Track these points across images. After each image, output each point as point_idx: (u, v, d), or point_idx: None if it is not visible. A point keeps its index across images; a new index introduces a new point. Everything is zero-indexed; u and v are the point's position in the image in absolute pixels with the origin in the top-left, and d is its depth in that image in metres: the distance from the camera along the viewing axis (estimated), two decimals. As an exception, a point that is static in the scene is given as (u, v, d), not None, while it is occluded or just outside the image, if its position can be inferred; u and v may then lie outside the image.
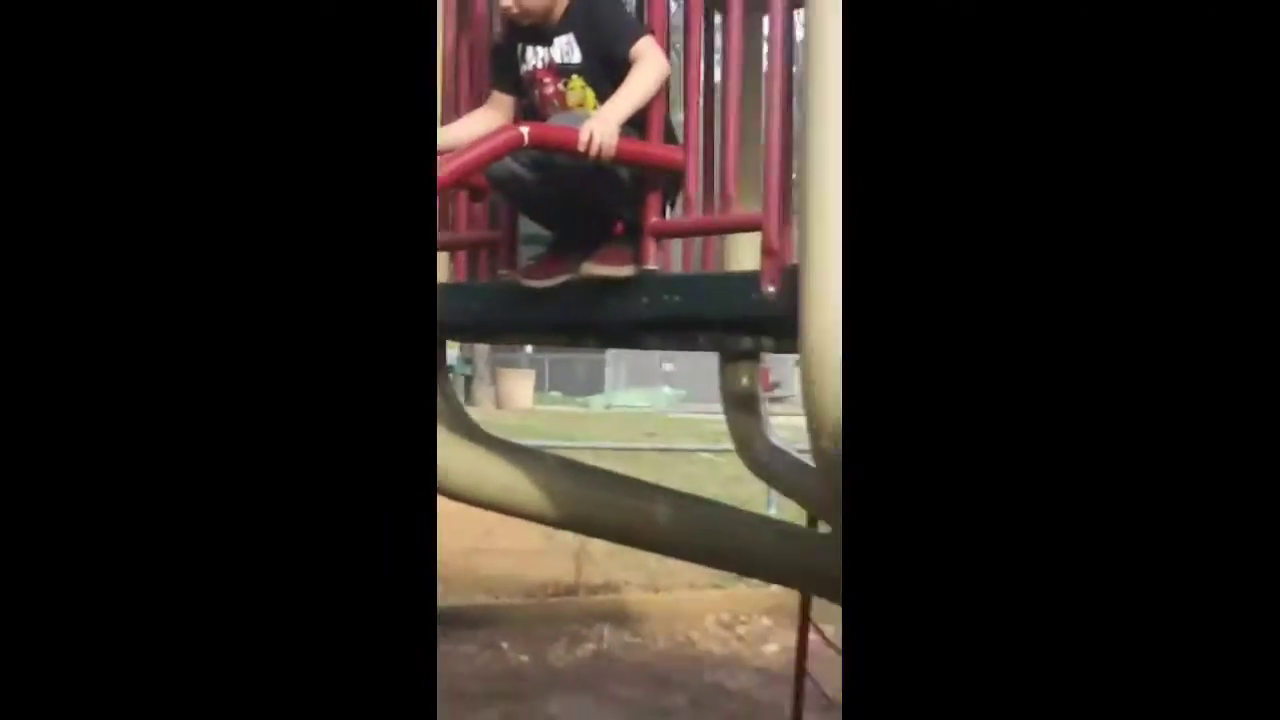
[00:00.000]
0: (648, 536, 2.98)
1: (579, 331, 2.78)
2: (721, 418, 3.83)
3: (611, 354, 24.25)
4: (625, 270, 2.45)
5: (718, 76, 2.70)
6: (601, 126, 2.28)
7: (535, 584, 6.90)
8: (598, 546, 7.40)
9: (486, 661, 5.47)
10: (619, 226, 2.50)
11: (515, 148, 2.29)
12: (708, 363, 3.97)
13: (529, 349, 23.50)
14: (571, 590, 6.85)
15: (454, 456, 2.80)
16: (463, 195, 2.77)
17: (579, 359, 25.86)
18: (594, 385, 25.59)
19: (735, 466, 10.65)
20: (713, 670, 5.41)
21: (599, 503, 2.89)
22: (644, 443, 11.51)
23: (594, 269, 2.46)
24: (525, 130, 2.27)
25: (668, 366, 25.54)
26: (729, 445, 3.94)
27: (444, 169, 2.23)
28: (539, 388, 23.12)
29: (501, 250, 2.69)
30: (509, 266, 2.65)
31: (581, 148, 2.27)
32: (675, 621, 6.36)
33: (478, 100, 2.74)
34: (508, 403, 20.63)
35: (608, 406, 22.29)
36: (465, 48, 2.84)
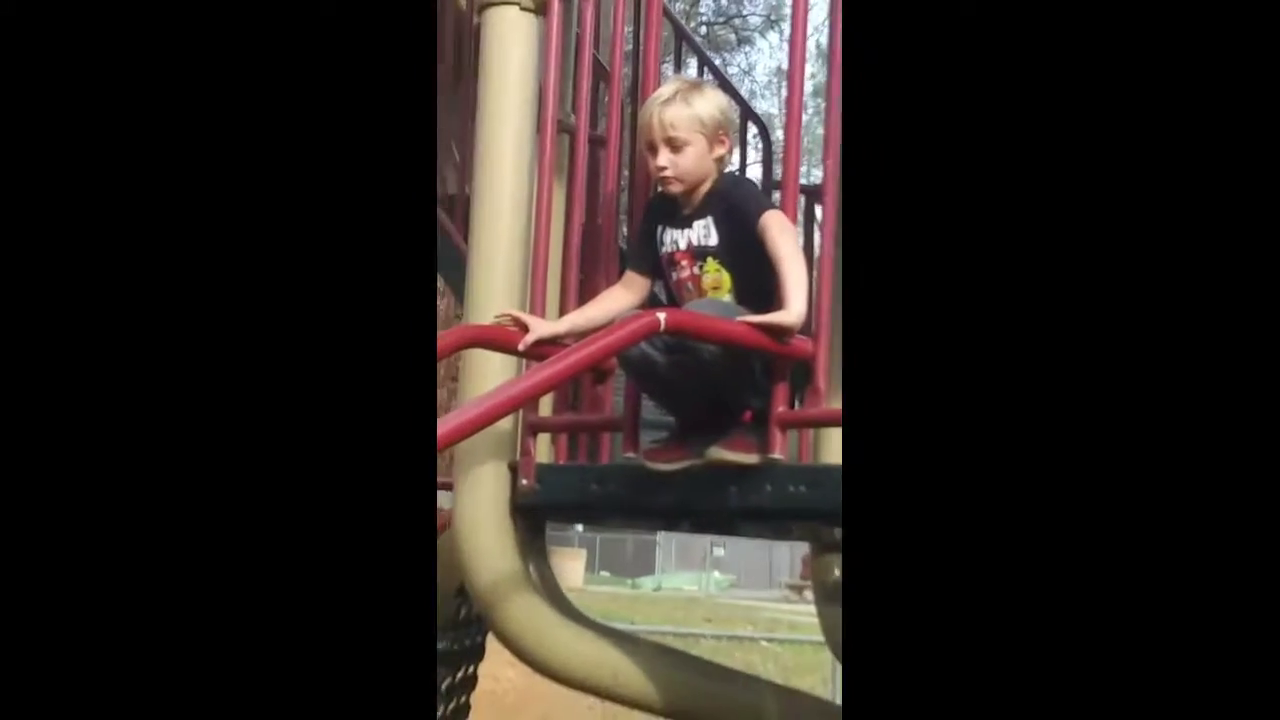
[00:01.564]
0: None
1: (697, 517, 2.77)
2: (772, 604, 3.78)
3: (662, 535, 24.06)
4: (751, 458, 2.44)
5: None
6: (796, 321, 2.35)
7: (598, 770, 6.74)
8: (662, 734, 7.24)
9: None
10: (747, 415, 2.50)
11: (652, 333, 2.30)
12: (756, 549, 3.94)
13: (579, 527, 23.37)
14: (635, 779, 6.68)
15: (564, 641, 2.77)
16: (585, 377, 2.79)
17: (629, 538, 25.66)
18: (642, 566, 25.34)
19: (794, 656, 10.41)
20: None
21: (708, 694, 2.83)
22: (701, 628, 11.33)
23: (721, 454, 2.45)
24: (662, 316, 2.29)
25: (718, 551, 25.29)
26: (788, 634, 3.88)
27: (583, 352, 2.25)
28: (589, 567, 22.92)
29: (625, 432, 2.69)
30: (632, 449, 2.65)
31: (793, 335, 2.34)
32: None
33: (606, 279, 2.78)
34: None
35: (657, 588, 22.05)
36: (581, 224, 2.90)
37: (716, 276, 2.55)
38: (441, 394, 10.72)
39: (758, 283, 2.46)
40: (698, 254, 2.56)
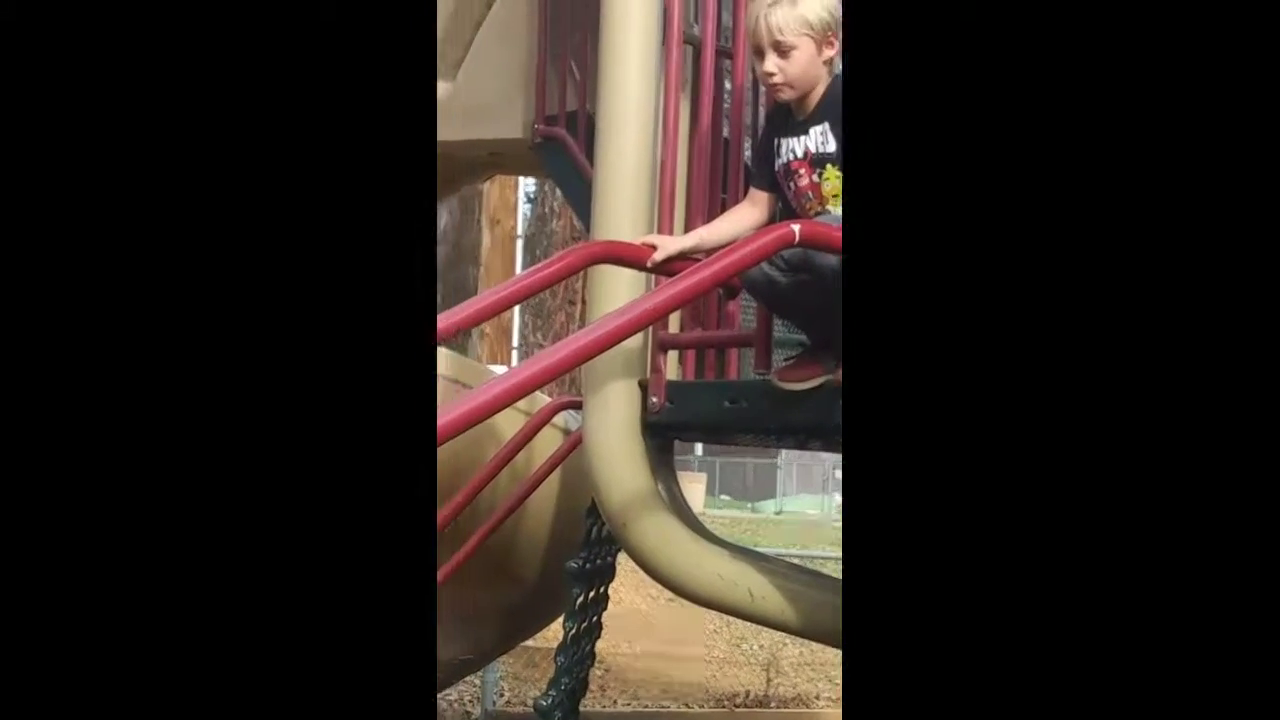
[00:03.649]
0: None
1: (828, 436, 2.71)
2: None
3: (783, 458, 24.01)
4: (886, 374, 2.38)
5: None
6: None
7: (725, 693, 6.77)
8: (787, 658, 7.25)
9: (680, 771, 5.36)
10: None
11: (787, 246, 2.25)
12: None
13: (699, 450, 23.39)
14: (762, 702, 6.70)
15: (699, 559, 2.75)
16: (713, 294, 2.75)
17: (749, 462, 25.66)
18: (762, 490, 25.31)
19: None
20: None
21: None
22: (825, 550, 11.29)
23: (854, 372, 2.40)
24: (796, 228, 2.24)
25: (838, 473, 25.16)
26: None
27: (715, 267, 2.20)
28: (709, 490, 22.98)
29: (757, 350, 2.64)
30: (764, 367, 2.61)
31: None
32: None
33: (734, 195, 2.73)
34: (679, 505, 20.47)
35: (778, 512, 22.06)
36: (705, 144, 2.85)
37: (837, 184, 2.47)
38: (560, 317, 10.73)
39: None
40: (815, 161, 2.49)
